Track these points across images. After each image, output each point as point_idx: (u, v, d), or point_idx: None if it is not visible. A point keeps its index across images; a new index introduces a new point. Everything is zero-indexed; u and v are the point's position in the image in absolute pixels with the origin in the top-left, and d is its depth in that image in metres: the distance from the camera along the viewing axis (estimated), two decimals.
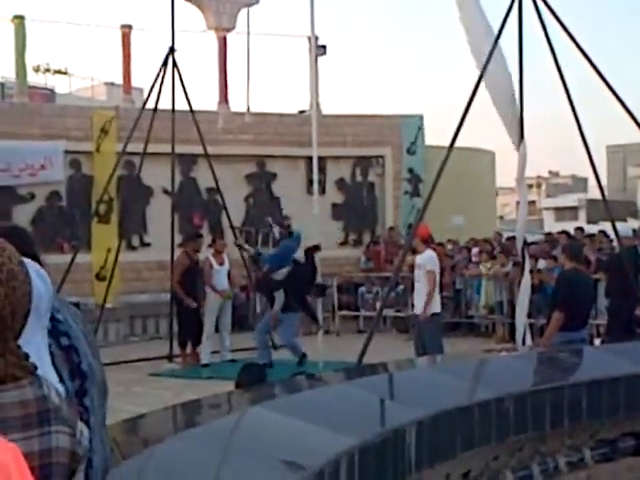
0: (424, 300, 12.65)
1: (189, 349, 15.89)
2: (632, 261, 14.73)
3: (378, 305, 17.57)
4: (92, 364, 1.93)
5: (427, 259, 12.80)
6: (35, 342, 1.80)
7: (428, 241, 13.25)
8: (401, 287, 19.43)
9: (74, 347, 1.90)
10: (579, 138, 13.52)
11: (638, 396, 7.74)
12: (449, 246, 21.81)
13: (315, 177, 15.15)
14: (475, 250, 20.69)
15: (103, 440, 1.96)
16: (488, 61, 12.50)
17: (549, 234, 23.15)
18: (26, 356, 1.72)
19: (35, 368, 1.72)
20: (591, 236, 20.62)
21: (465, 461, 6.43)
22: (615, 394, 7.55)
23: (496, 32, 12.66)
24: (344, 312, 21.18)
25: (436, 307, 12.87)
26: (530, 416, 6.90)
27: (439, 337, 13.05)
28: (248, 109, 20.74)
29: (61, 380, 1.84)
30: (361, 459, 5.00)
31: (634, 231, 18.38)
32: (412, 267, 13.97)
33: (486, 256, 19.57)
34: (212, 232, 21.52)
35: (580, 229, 22.16)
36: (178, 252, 16.89)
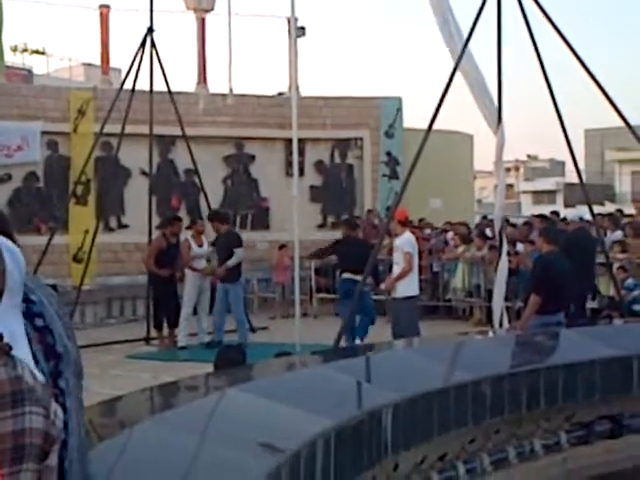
0: (400, 280, 12.73)
1: (166, 331, 15.86)
2: (583, 246, 14.86)
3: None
4: (67, 345, 1.92)
5: (405, 241, 12.86)
6: (7, 321, 1.78)
7: (406, 224, 13.34)
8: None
9: (49, 328, 1.88)
10: (557, 122, 13.58)
11: (614, 379, 7.78)
12: (427, 230, 21.88)
13: (294, 159, 15.13)
14: (451, 234, 20.73)
15: (79, 422, 1.94)
16: (461, 56, 12.56)
17: (527, 222, 23.19)
18: (0, 337, 1.70)
19: (10, 348, 1.70)
20: (565, 220, 20.71)
21: (441, 444, 6.45)
22: (591, 377, 7.59)
23: (474, 16, 12.69)
24: (322, 295, 21.17)
25: (413, 289, 12.92)
26: (506, 399, 6.93)
27: (415, 320, 13.11)
28: (231, 91, 20.66)
29: (36, 361, 1.82)
30: (337, 441, 5.00)
31: (580, 219, 18.70)
32: (391, 250, 14.01)
33: (460, 239, 19.61)
34: (190, 214, 21.49)
35: (555, 212, 22.25)
36: (155, 234, 16.84)
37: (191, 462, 4.20)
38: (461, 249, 19.41)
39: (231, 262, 15.25)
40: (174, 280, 15.81)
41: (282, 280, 20.48)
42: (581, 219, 17.63)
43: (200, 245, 15.69)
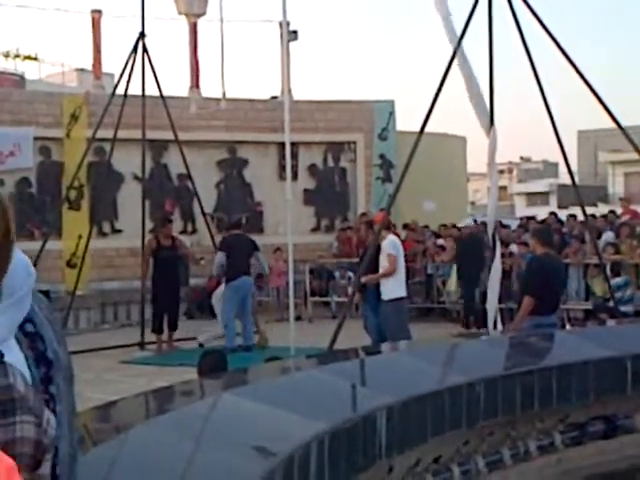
0: (380, 278, 12.83)
1: (165, 336, 15.87)
2: (478, 248, 16.70)
3: (350, 291, 17.61)
4: (58, 351, 1.91)
5: (388, 243, 12.94)
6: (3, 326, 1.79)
7: (389, 227, 13.48)
8: None
9: (39, 334, 1.88)
10: (550, 123, 13.60)
11: (608, 380, 7.79)
12: (428, 232, 21.97)
13: (287, 163, 15.14)
14: (441, 240, 20.79)
15: (71, 428, 1.94)
16: (453, 57, 12.58)
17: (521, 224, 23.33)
18: None
19: (1, 355, 1.70)
20: (561, 222, 20.81)
21: (436, 446, 6.45)
22: (585, 378, 7.60)
23: (466, 17, 12.72)
24: (316, 298, 21.18)
25: (400, 291, 12.97)
26: (500, 400, 6.93)
27: (405, 321, 13.15)
28: (224, 95, 20.66)
29: (27, 367, 1.82)
30: (331, 444, 5.00)
31: (474, 221, 19.76)
32: None
33: (453, 242, 19.63)
34: (183, 218, 21.54)
35: (554, 214, 22.30)
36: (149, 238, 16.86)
37: (185, 466, 4.20)
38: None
39: (214, 269, 15.48)
40: (175, 284, 15.81)
41: (277, 284, 20.48)
42: (475, 222, 18.83)
43: None
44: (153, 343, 16.04)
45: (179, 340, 16.21)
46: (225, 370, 10.25)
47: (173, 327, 15.82)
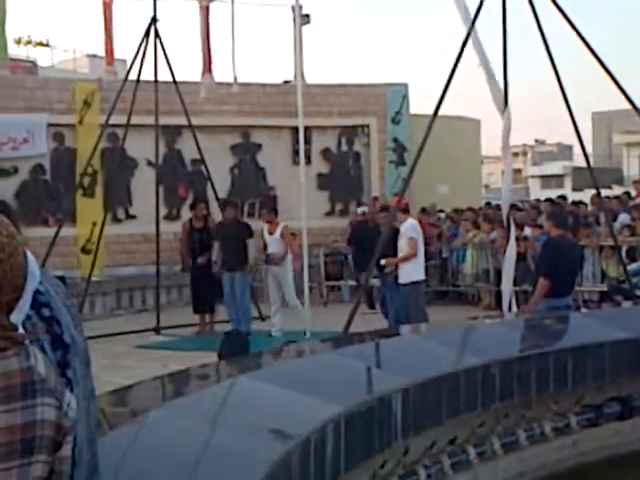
0: (403, 262, 12.86)
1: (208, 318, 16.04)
2: (369, 235, 16.43)
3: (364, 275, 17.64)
4: (74, 335, 1.93)
5: (408, 227, 12.96)
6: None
7: (407, 210, 13.50)
8: None
9: (55, 318, 1.89)
10: (564, 105, 13.54)
11: (623, 361, 7.79)
12: (442, 215, 22.00)
13: (301, 147, 15.14)
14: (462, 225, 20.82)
15: (88, 411, 1.96)
16: (467, 38, 12.53)
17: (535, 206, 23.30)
18: (14, 327, 1.71)
19: (23, 338, 1.71)
20: (575, 204, 20.78)
21: (451, 428, 6.46)
22: (600, 360, 7.60)
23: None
24: (331, 282, 21.18)
25: (419, 274, 12.99)
26: (516, 382, 6.93)
27: (423, 304, 13.17)
28: (235, 79, 20.62)
29: (43, 351, 1.83)
30: (347, 427, 5.02)
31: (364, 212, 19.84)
32: None
33: (470, 225, 19.62)
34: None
35: (563, 197, 22.26)
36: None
37: (202, 449, 4.21)
38: (470, 234, 19.41)
39: (252, 257, 15.55)
40: (207, 266, 15.89)
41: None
42: (364, 213, 19.03)
43: (271, 233, 15.86)
44: (169, 328, 16.13)
45: (184, 326, 16.35)
46: (247, 353, 10.29)
47: (211, 310, 15.95)
